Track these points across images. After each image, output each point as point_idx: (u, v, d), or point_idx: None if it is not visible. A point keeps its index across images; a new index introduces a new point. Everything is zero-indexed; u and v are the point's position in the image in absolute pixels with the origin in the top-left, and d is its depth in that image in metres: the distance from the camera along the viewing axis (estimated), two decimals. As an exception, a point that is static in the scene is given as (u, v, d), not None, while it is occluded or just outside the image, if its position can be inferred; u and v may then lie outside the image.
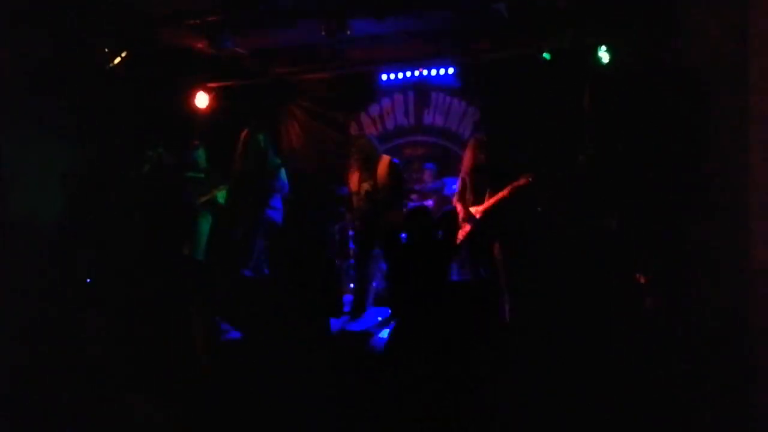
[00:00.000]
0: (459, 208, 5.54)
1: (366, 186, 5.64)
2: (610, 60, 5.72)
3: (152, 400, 3.75)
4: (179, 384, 3.90)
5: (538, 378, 3.59)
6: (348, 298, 6.10)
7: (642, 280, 5.13)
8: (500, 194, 5.32)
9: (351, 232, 6.57)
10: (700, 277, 3.19)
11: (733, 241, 3.01)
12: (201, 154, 6.07)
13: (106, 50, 5.90)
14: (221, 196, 5.87)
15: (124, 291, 4.65)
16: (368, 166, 5.66)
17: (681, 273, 3.43)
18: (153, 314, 4.38)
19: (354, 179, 5.81)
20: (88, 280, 5.04)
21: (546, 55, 6.12)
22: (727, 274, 3.02)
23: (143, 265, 4.93)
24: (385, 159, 5.73)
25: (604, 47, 5.74)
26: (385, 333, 4.94)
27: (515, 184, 5.26)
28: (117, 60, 5.92)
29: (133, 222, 5.44)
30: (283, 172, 5.96)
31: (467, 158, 5.61)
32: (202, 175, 5.98)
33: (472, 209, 5.46)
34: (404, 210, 5.66)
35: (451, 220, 5.14)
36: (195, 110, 7.07)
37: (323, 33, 5.44)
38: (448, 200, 6.37)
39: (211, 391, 3.86)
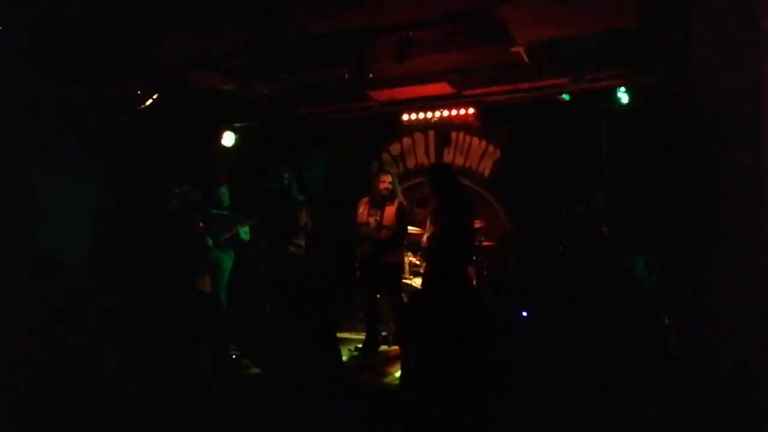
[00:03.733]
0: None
1: (372, 221, 5.78)
2: (629, 101, 5.78)
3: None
4: (191, 418, 3.92)
5: (559, 415, 3.55)
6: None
7: (666, 321, 5.06)
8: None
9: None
10: (719, 320, 3.17)
11: (752, 280, 3.00)
12: (224, 192, 6.21)
13: (138, 92, 6.13)
14: (244, 232, 5.97)
15: (145, 325, 4.72)
16: (380, 203, 5.80)
17: (701, 314, 3.41)
18: (170, 348, 4.44)
19: (364, 210, 5.94)
20: (110, 313, 5.13)
21: (565, 96, 6.21)
22: (745, 315, 3.00)
23: (165, 300, 5.01)
24: (397, 202, 5.85)
25: (622, 88, 5.81)
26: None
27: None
28: (148, 102, 6.14)
29: (157, 257, 5.56)
30: (306, 209, 6.05)
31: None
32: (225, 213, 6.10)
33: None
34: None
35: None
36: (221, 149, 7.27)
37: (346, 75, 5.60)
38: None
39: (222, 424, 3.89)
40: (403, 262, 6.14)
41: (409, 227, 5.98)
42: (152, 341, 4.11)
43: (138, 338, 4.15)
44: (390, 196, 5.83)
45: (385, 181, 5.85)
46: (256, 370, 5.16)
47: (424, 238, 5.28)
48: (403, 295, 5.92)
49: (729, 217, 3.10)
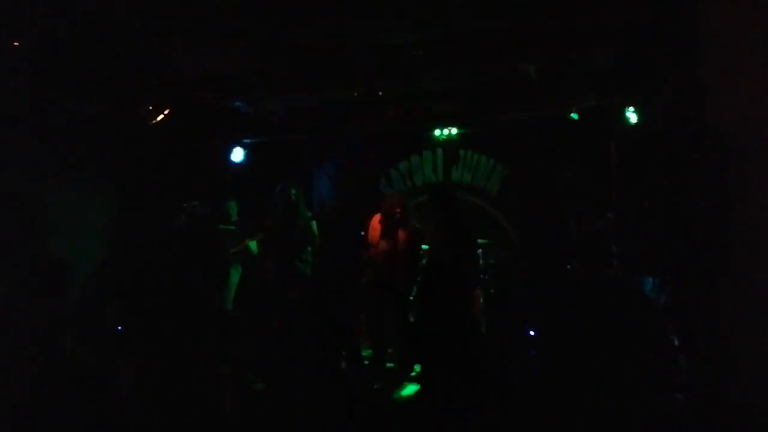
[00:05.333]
0: None
1: (384, 245, 5.65)
2: (638, 120, 5.78)
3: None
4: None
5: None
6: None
7: (675, 341, 5.01)
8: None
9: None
10: (730, 340, 3.13)
11: (762, 300, 2.96)
12: (233, 207, 6.22)
13: (150, 108, 6.19)
14: (253, 245, 5.97)
15: (154, 340, 4.71)
16: (393, 228, 5.66)
17: (712, 333, 3.37)
18: (181, 364, 4.42)
19: (374, 231, 5.81)
20: (119, 328, 5.12)
21: (574, 115, 6.21)
22: (757, 335, 2.96)
23: (174, 315, 5.01)
24: (410, 227, 5.67)
25: (631, 108, 5.81)
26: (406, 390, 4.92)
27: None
28: (159, 117, 6.19)
29: (166, 271, 5.56)
30: (314, 225, 6.04)
31: None
32: (233, 228, 6.12)
33: None
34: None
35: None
36: (230, 164, 7.31)
37: (356, 93, 5.63)
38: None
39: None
40: (411, 287, 6.00)
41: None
42: (168, 357, 4.10)
43: (153, 354, 4.14)
44: (403, 221, 5.65)
45: (398, 206, 5.66)
46: (260, 386, 5.13)
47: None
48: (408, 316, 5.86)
49: (740, 236, 3.08)
